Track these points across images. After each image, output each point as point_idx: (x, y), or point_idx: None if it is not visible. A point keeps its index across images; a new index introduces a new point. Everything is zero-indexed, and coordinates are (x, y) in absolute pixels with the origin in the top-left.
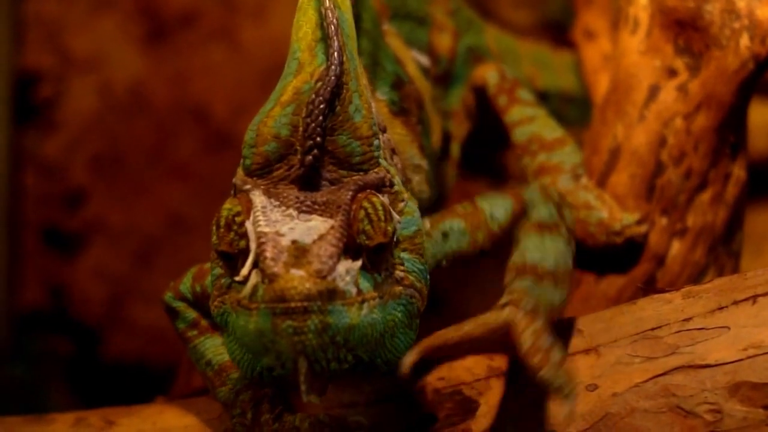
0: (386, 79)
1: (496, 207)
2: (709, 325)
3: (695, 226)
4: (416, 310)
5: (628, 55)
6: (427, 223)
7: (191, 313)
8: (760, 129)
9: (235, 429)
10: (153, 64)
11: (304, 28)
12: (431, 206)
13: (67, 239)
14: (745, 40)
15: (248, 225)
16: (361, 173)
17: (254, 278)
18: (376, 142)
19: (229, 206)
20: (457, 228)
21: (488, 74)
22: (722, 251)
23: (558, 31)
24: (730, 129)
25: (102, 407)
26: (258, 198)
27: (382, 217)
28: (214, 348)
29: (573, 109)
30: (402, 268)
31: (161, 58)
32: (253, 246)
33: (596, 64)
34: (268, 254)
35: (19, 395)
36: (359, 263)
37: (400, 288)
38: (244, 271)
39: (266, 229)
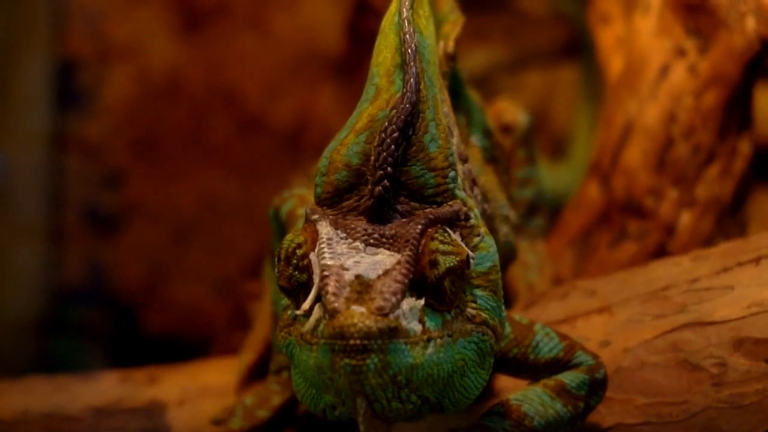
0: (477, 126)
1: (546, 341)
2: (715, 285)
3: (704, 197)
4: (489, 348)
5: (640, 36)
6: None
7: (276, 243)
8: None
9: (270, 384)
10: (189, 52)
11: (384, 52)
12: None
13: (107, 219)
14: (751, 23)
15: (312, 257)
16: (434, 206)
17: (317, 312)
18: (451, 173)
19: (290, 238)
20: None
21: (520, 116)
22: (729, 222)
23: (570, 23)
24: (737, 107)
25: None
26: (324, 229)
27: (456, 244)
28: None
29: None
30: (474, 305)
31: (196, 47)
32: (316, 279)
33: (610, 46)
34: (330, 289)
35: (61, 367)
36: (422, 301)
37: (471, 326)
38: (306, 305)
39: (330, 262)
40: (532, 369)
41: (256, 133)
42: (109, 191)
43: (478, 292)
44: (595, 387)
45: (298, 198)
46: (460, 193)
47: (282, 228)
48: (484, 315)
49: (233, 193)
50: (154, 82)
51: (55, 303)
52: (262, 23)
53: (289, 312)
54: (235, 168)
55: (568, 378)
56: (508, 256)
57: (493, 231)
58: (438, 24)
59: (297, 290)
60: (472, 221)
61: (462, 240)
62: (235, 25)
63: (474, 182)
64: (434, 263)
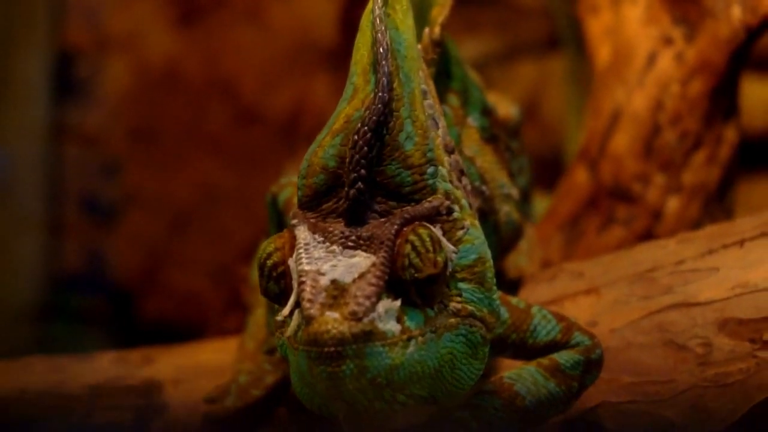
0: (475, 105)
1: (543, 324)
2: (701, 267)
3: (690, 183)
4: (480, 338)
5: (628, 25)
6: None
7: (273, 230)
8: (759, 105)
9: (263, 364)
10: (186, 44)
11: (362, 50)
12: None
13: (106, 208)
14: (737, 11)
15: (291, 263)
16: (412, 204)
17: (297, 318)
18: (430, 169)
19: (264, 246)
20: (503, 311)
21: (512, 109)
22: (716, 207)
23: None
24: (723, 94)
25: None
26: (302, 234)
27: (430, 248)
28: None
29: None
30: (459, 299)
31: (194, 38)
32: (294, 285)
33: (599, 36)
34: (306, 295)
35: (60, 352)
36: (399, 301)
37: (457, 320)
38: (285, 310)
39: (307, 268)
40: (530, 352)
41: (252, 123)
42: (108, 181)
43: (463, 285)
44: (590, 367)
45: (296, 186)
46: (445, 186)
47: (279, 215)
48: (470, 308)
49: (229, 182)
50: (151, 73)
51: (54, 290)
52: (259, 15)
53: (279, 314)
54: (231, 157)
55: (564, 358)
56: (511, 235)
57: (492, 212)
58: (428, 7)
59: (278, 295)
60: (456, 214)
61: (444, 234)
62: (231, 16)
63: (462, 173)
64: (409, 265)
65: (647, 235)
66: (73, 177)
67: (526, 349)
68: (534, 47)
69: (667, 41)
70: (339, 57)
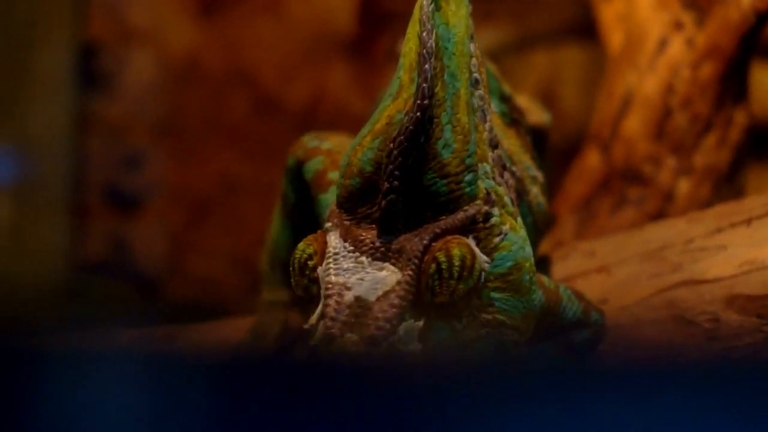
0: (494, 92)
1: (569, 305)
2: (709, 246)
3: (701, 165)
4: (511, 344)
5: (639, 11)
6: None
7: (290, 196)
8: None
9: (263, 318)
10: (206, 36)
11: (410, 43)
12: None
13: (129, 198)
14: None
15: (320, 271)
16: (447, 213)
17: (322, 329)
18: (467, 177)
19: (303, 246)
20: (538, 299)
21: (544, 116)
22: (726, 189)
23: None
24: (733, 78)
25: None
26: (333, 242)
27: (455, 274)
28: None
29: None
30: (490, 309)
31: (214, 30)
32: (321, 295)
33: (611, 23)
34: (329, 311)
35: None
36: (422, 321)
37: (487, 330)
38: (312, 319)
39: (334, 279)
40: (555, 330)
41: (271, 114)
42: (131, 171)
43: (496, 294)
44: (596, 342)
45: (327, 155)
46: (487, 183)
47: (305, 187)
48: (501, 317)
49: (249, 172)
50: (173, 65)
51: (80, 276)
52: (278, 6)
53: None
54: (251, 148)
55: (577, 336)
56: (543, 218)
57: (525, 192)
58: None
59: (310, 300)
60: (494, 219)
61: (478, 244)
62: (251, 9)
63: (504, 168)
64: (427, 288)
65: (659, 216)
66: (97, 167)
67: (554, 328)
68: (549, 36)
69: (678, 26)
70: (357, 47)
